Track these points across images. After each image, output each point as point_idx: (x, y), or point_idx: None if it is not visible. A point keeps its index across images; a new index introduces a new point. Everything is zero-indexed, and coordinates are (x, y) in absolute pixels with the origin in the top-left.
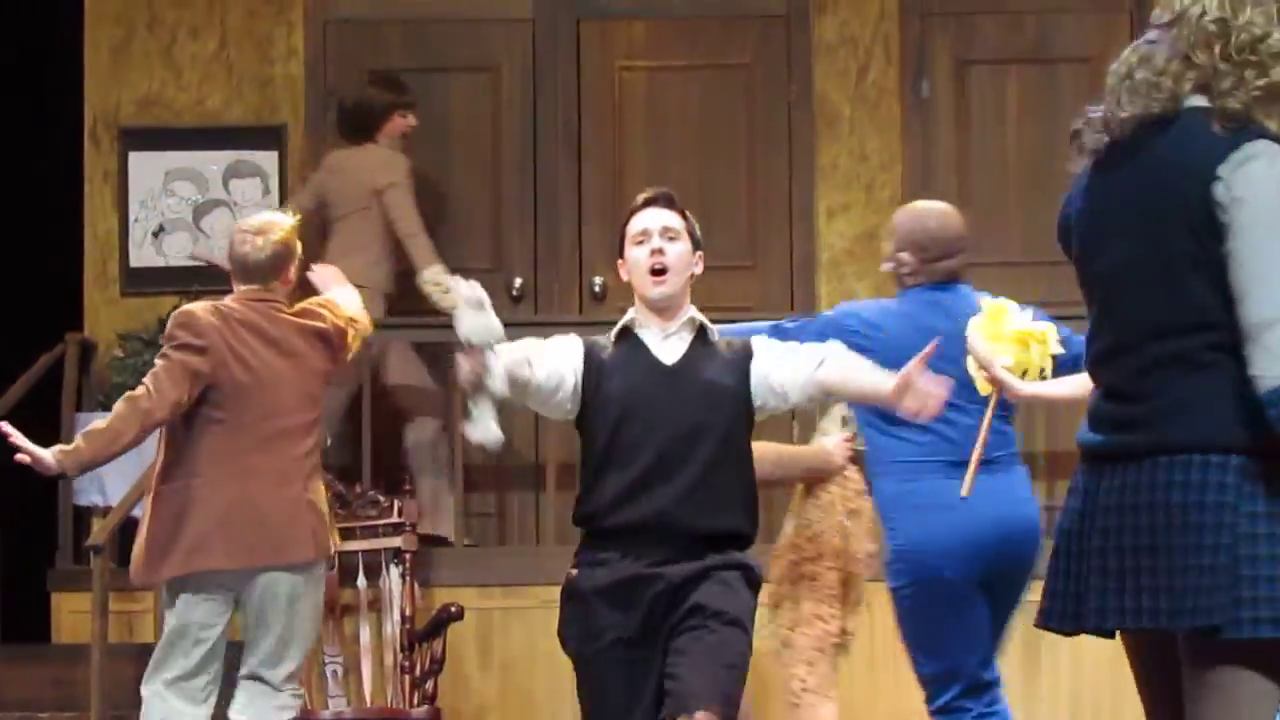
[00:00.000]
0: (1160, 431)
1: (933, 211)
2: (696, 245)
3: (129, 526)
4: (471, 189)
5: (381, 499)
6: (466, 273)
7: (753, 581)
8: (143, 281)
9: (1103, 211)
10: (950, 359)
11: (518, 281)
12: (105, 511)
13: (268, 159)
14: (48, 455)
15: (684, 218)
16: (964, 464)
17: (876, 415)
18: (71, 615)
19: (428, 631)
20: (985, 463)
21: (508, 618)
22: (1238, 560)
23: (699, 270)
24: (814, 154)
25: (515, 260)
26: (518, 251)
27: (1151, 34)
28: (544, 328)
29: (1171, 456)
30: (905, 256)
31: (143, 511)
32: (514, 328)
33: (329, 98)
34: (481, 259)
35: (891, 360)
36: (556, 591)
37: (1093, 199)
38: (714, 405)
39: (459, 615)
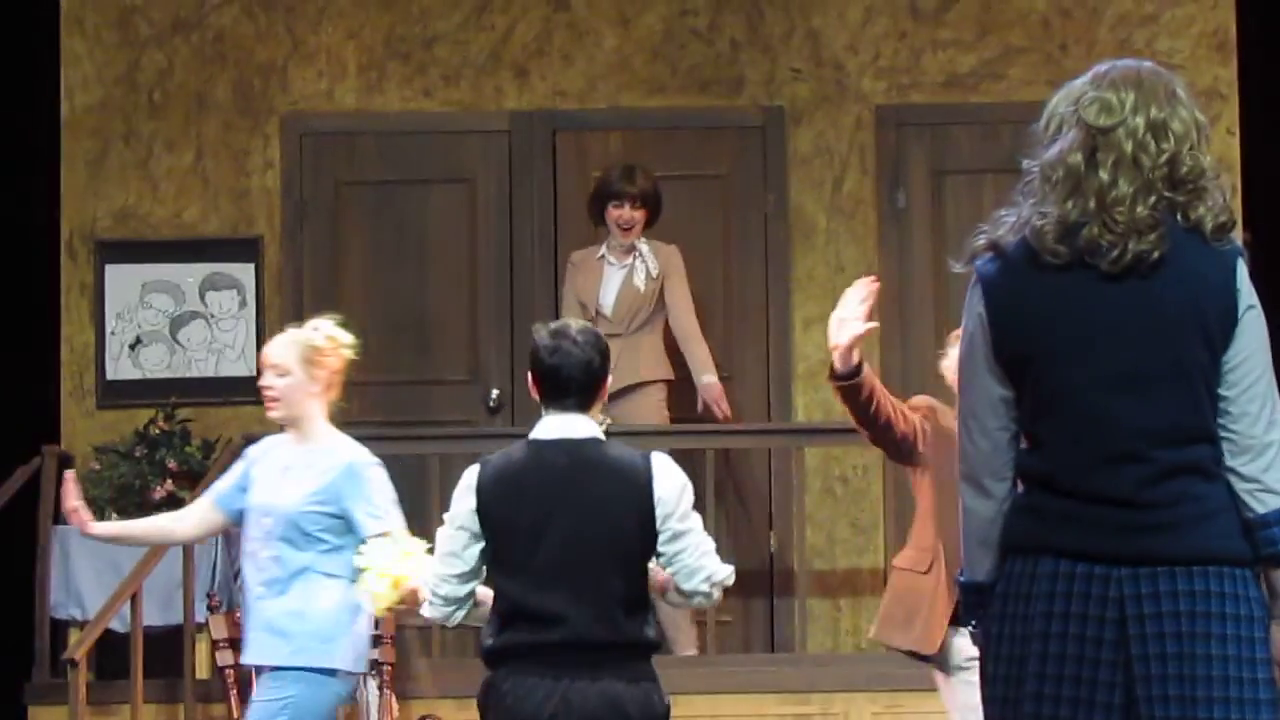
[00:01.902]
0: (1198, 539)
1: None
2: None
3: (106, 639)
4: (447, 299)
5: None
6: (442, 385)
7: None
8: (119, 394)
9: (1088, 321)
10: None
11: (494, 392)
12: (83, 624)
13: (244, 271)
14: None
15: None
16: None
17: None
18: None
19: None
20: None
21: None
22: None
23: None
24: (790, 264)
25: (492, 371)
26: (494, 362)
27: (1065, 142)
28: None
29: (1220, 566)
30: None
31: None
32: (491, 439)
33: (304, 209)
34: (458, 370)
35: None
36: None
37: (1070, 307)
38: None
39: None
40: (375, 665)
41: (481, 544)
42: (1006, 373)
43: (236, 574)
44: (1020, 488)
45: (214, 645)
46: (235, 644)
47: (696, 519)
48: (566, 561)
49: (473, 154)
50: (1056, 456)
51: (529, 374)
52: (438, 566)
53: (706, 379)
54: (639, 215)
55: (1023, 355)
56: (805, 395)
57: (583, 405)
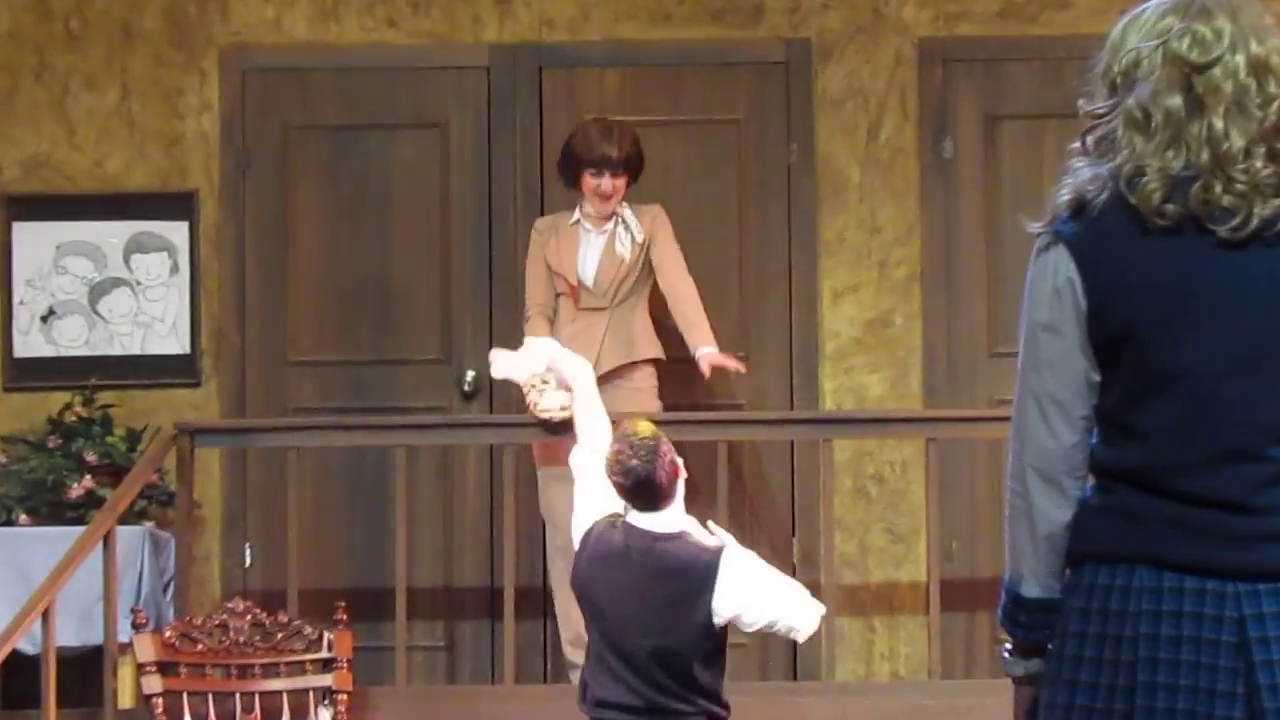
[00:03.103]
0: None
1: None
2: None
3: (13, 662)
4: (415, 265)
5: (309, 629)
6: (410, 365)
7: None
8: (29, 374)
9: (1199, 295)
10: None
11: (469, 374)
12: None
13: (176, 231)
14: None
15: None
16: None
17: None
18: None
19: None
20: None
21: None
22: None
23: None
24: (817, 226)
25: (466, 349)
26: (470, 338)
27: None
28: (501, 429)
29: None
30: None
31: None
32: (465, 429)
33: (247, 159)
34: (427, 348)
35: None
36: None
37: (1179, 278)
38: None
39: None
40: (329, 693)
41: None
42: (1097, 353)
43: (166, 586)
44: (1094, 486)
45: (140, 669)
46: (165, 668)
47: (768, 603)
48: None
49: (445, 95)
50: (1155, 451)
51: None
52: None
53: (705, 350)
54: (620, 184)
55: (1120, 333)
56: (834, 379)
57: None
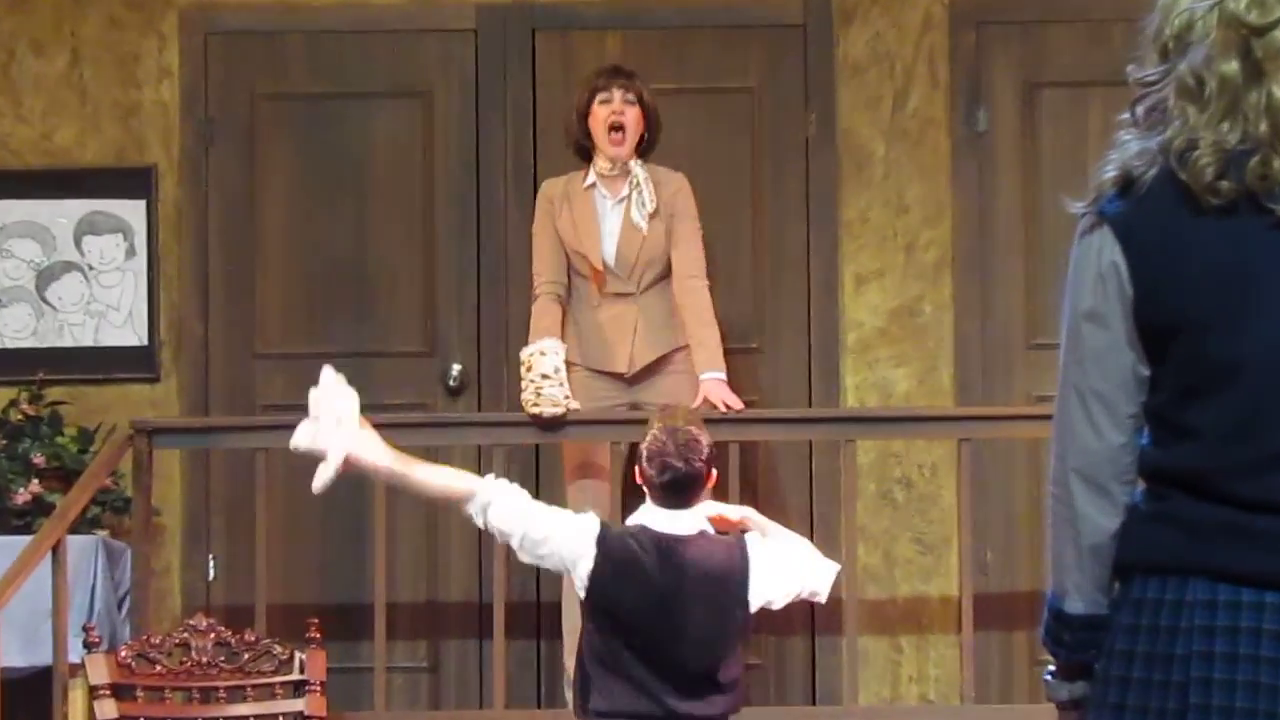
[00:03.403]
0: None
1: None
2: None
3: None
4: (396, 248)
5: (279, 649)
6: (390, 358)
7: None
8: None
9: (1259, 280)
10: None
11: (455, 368)
12: None
13: (132, 210)
14: None
15: None
16: None
17: None
18: None
19: None
20: None
21: None
22: None
23: None
24: (838, 205)
25: (452, 341)
26: (456, 329)
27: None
28: (489, 428)
29: None
30: None
31: None
32: (451, 428)
33: (211, 131)
34: (409, 339)
35: None
36: None
37: (1236, 261)
38: None
39: None
40: (301, 719)
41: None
42: (1146, 344)
43: (121, 601)
44: (1143, 491)
45: (93, 693)
46: (120, 691)
47: (792, 579)
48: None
49: (428, 60)
50: (1211, 452)
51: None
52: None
53: (713, 375)
54: (634, 114)
55: (1172, 322)
56: (856, 373)
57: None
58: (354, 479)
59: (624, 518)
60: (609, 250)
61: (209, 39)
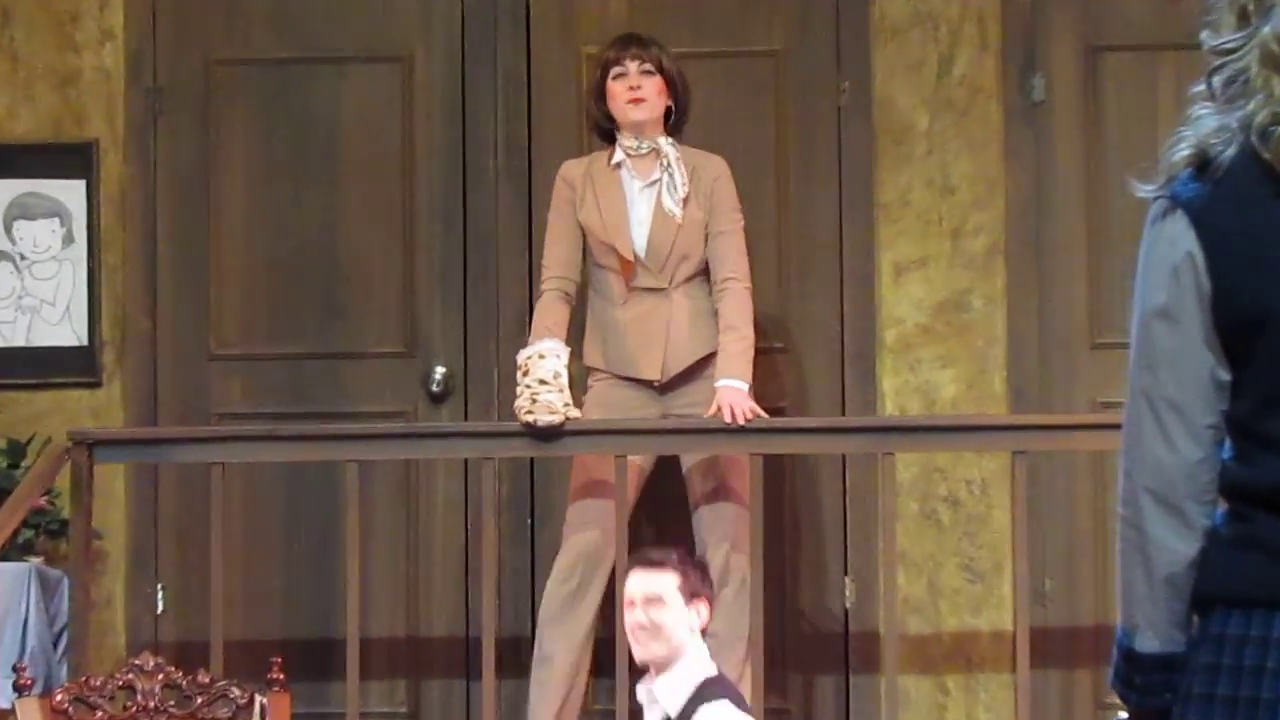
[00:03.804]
0: None
1: None
2: None
3: None
4: (372, 235)
5: (237, 692)
6: (364, 360)
7: None
8: None
9: None
10: None
11: (438, 372)
12: None
13: (70, 192)
14: None
15: None
16: None
17: None
18: None
19: None
20: None
21: None
22: None
23: None
24: (874, 184)
25: (435, 340)
26: (439, 327)
27: None
28: (478, 439)
29: None
30: None
31: None
32: (434, 439)
33: (159, 102)
34: (386, 339)
35: None
36: None
37: None
38: None
39: None
40: None
41: None
42: (1226, 345)
43: (58, 637)
44: (1225, 512)
45: None
46: None
47: None
48: None
49: (409, 22)
50: (1259, 427)
51: None
52: None
53: (729, 383)
54: (653, 85)
55: (1254, 319)
56: (896, 375)
57: None
58: (323, 492)
59: (632, 543)
60: (639, 239)
61: None
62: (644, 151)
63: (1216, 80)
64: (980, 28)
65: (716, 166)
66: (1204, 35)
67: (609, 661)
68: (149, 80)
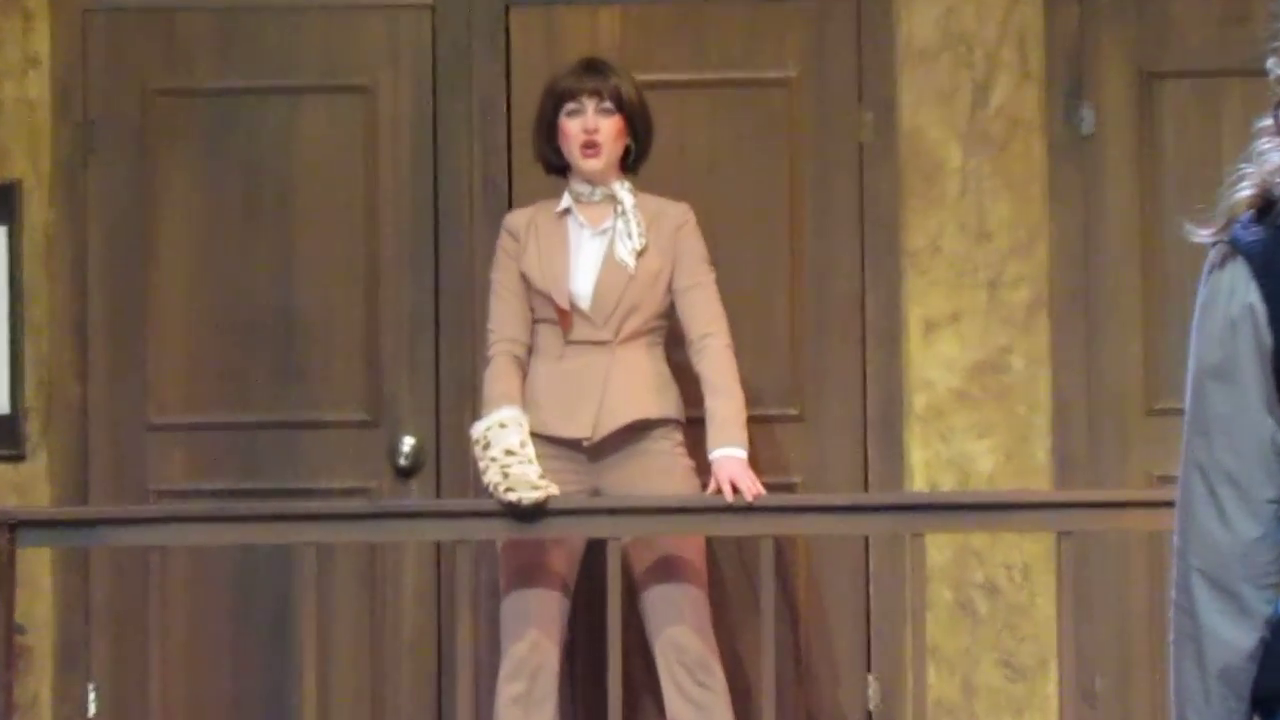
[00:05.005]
0: None
1: None
2: None
3: None
4: (330, 288)
5: None
6: (323, 429)
7: None
8: None
9: None
10: None
11: (406, 443)
12: None
13: None
14: None
15: None
16: None
17: None
18: None
19: None
20: None
21: None
22: None
23: None
24: (901, 229)
25: (402, 408)
26: (407, 393)
27: None
28: (452, 520)
29: None
30: None
31: None
32: (401, 520)
33: (92, 137)
34: (346, 405)
35: None
36: None
37: None
38: None
39: None
40: None
41: None
42: None
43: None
44: None
45: None
46: None
47: None
48: None
49: (373, 47)
50: None
51: None
52: None
53: (727, 452)
54: (611, 126)
55: None
56: (926, 447)
57: None
58: (277, 580)
59: (571, 636)
60: (582, 287)
61: (88, 18)
62: (596, 199)
63: None
64: (1020, 52)
65: (679, 214)
66: (1270, 63)
67: None
68: (79, 113)
